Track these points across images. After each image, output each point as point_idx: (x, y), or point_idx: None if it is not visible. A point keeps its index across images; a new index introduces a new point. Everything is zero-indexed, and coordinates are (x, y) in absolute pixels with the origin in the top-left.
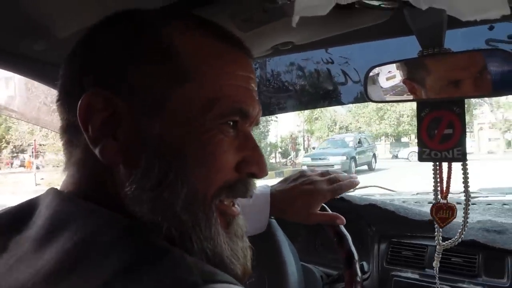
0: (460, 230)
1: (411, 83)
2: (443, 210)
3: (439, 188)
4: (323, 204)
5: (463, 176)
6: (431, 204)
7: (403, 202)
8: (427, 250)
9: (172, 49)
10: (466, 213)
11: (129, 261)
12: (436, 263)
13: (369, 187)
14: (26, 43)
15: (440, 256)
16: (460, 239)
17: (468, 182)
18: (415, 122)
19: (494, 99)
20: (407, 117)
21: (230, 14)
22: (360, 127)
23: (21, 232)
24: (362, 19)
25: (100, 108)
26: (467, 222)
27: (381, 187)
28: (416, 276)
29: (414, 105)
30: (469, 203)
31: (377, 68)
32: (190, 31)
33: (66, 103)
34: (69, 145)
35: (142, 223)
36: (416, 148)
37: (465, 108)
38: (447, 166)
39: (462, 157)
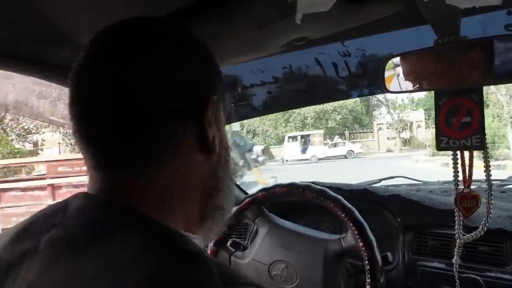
0: (483, 222)
1: (428, 72)
2: (467, 199)
3: (459, 178)
4: None
5: (484, 164)
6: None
7: (430, 192)
8: (453, 240)
9: (221, 75)
10: (488, 202)
11: (154, 269)
12: (456, 259)
13: (395, 178)
14: (52, 51)
15: (461, 250)
16: (483, 231)
17: (490, 170)
18: (319, 124)
19: (391, 101)
20: (311, 119)
21: (243, 12)
22: (267, 130)
23: (52, 233)
24: (376, 11)
25: (211, 111)
26: (490, 213)
27: (406, 177)
28: (443, 266)
29: (318, 107)
30: (492, 191)
31: (395, 59)
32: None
33: (136, 103)
34: (131, 145)
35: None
36: (316, 150)
37: (484, 96)
38: (469, 154)
39: (481, 145)
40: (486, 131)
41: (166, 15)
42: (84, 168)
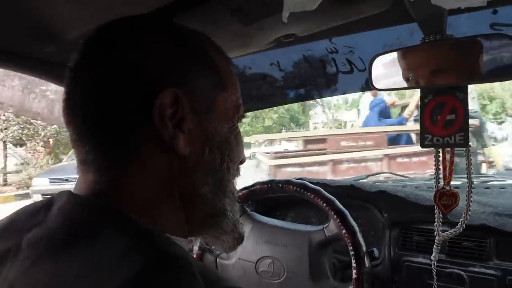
0: (462, 219)
1: (415, 70)
2: (446, 197)
3: (441, 175)
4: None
5: (466, 161)
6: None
7: (416, 187)
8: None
9: (215, 65)
10: (468, 200)
11: (139, 269)
12: (434, 255)
13: (382, 174)
14: (38, 46)
15: (439, 247)
16: (461, 228)
17: (471, 168)
18: (255, 123)
19: (326, 100)
20: (247, 118)
21: (231, 9)
22: None
23: (34, 232)
24: (363, 9)
25: (172, 105)
26: (469, 210)
27: (393, 173)
28: (428, 261)
29: None
30: (474, 188)
31: (381, 56)
32: (217, 53)
33: (109, 99)
34: (106, 142)
35: (155, 229)
36: (257, 149)
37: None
38: (450, 152)
39: (464, 142)
40: None
41: (153, 11)
42: (369, 143)
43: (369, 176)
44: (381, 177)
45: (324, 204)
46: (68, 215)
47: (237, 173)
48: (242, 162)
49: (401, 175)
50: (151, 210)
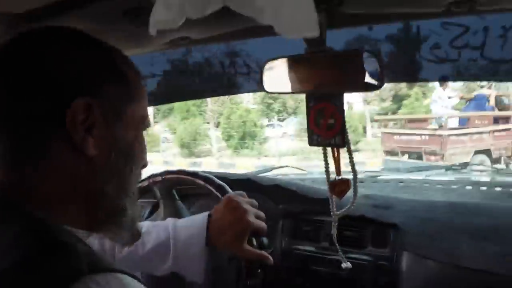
0: (351, 201)
1: (299, 77)
2: (338, 185)
3: (329, 169)
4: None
5: (349, 157)
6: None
7: (313, 181)
8: (323, 225)
9: (126, 78)
10: (355, 187)
11: (29, 253)
12: (334, 231)
13: (284, 167)
14: None
15: (337, 224)
16: (352, 206)
17: (353, 162)
18: None
19: None
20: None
21: (122, 10)
22: None
23: None
24: (248, 19)
25: (84, 111)
26: (356, 196)
27: (295, 167)
28: (313, 249)
29: None
30: (357, 180)
31: (272, 62)
32: (127, 65)
33: (18, 102)
34: (16, 141)
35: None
36: None
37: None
38: (336, 150)
39: (342, 144)
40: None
41: (48, 5)
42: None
43: (273, 169)
44: (285, 170)
45: (215, 191)
46: None
47: (139, 176)
48: (144, 166)
49: (302, 169)
50: (55, 206)
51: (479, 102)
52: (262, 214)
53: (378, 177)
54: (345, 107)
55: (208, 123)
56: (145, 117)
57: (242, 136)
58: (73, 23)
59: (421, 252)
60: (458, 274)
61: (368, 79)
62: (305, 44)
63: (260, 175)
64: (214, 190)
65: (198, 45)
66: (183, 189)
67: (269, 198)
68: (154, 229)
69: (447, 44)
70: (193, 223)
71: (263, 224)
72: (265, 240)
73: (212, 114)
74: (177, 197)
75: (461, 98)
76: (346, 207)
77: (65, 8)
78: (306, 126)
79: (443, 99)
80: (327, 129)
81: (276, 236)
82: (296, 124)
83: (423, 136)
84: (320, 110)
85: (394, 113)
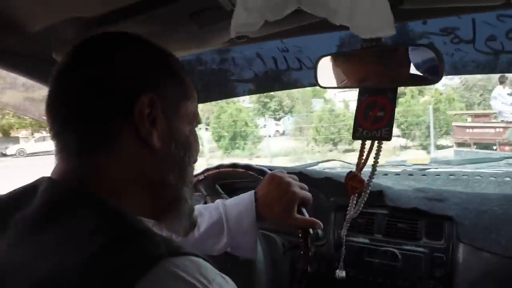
0: (360, 202)
1: (354, 72)
2: (355, 180)
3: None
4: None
5: (376, 152)
6: (388, 175)
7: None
8: (376, 218)
9: (180, 77)
10: (368, 184)
11: (109, 241)
12: (344, 231)
13: (330, 161)
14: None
15: (348, 225)
16: (360, 209)
17: (378, 158)
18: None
19: None
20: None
21: (188, 12)
22: None
23: (21, 213)
24: (307, 16)
25: (149, 105)
26: (367, 193)
27: (341, 161)
28: (366, 241)
29: None
30: (373, 178)
31: (326, 57)
32: (181, 67)
33: (90, 97)
34: (84, 134)
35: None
36: (25, 145)
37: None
38: (376, 144)
39: (388, 136)
40: None
41: (115, 10)
42: None
43: (319, 162)
44: (331, 164)
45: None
46: (50, 198)
47: (194, 168)
48: (195, 161)
49: (348, 163)
50: (123, 195)
51: None
52: (305, 185)
53: (427, 170)
54: (341, 105)
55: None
56: (196, 114)
57: (233, 136)
58: (140, 26)
59: (477, 244)
60: None
61: (425, 73)
62: (360, 40)
63: (309, 168)
64: (256, 174)
65: (255, 43)
66: (225, 184)
67: (320, 191)
68: (205, 211)
69: (503, 35)
70: (241, 200)
71: (308, 194)
72: (320, 232)
73: (202, 113)
74: (221, 191)
75: None
76: (356, 208)
77: (133, 12)
78: (301, 125)
79: (503, 96)
80: (374, 122)
81: (329, 228)
82: (292, 123)
83: (497, 129)
84: (371, 102)
85: None
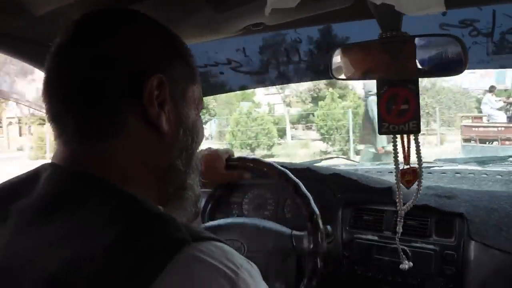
0: (415, 194)
1: (372, 63)
2: (408, 174)
3: (399, 157)
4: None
5: (416, 146)
6: (393, 172)
7: (366, 172)
8: (384, 214)
9: (189, 60)
10: (419, 179)
11: (127, 227)
12: (399, 228)
13: (335, 158)
14: (4, 21)
15: (402, 220)
16: (415, 201)
17: (420, 151)
18: None
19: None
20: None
21: None
22: None
23: (22, 201)
24: (329, 3)
25: (157, 88)
26: (420, 187)
27: (345, 158)
28: (376, 238)
29: None
30: (422, 170)
31: (342, 48)
32: (187, 50)
33: (95, 79)
34: (89, 117)
35: (138, 193)
36: None
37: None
38: (407, 137)
39: (416, 129)
40: None
41: None
42: None
43: (323, 159)
44: (335, 161)
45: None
46: (56, 184)
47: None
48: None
49: (352, 160)
50: (131, 180)
51: None
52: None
53: (432, 168)
54: (266, 109)
55: None
56: (201, 98)
57: None
58: (154, 7)
59: (489, 242)
60: None
61: (448, 63)
62: (378, 29)
63: (316, 164)
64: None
65: (270, 31)
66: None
67: (328, 188)
68: None
69: None
70: None
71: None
72: (328, 227)
73: None
74: None
75: (504, 102)
76: (411, 200)
77: None
78: (223, 129)
79: (492, 102)
80: (398, 115)
81: (336, 225)
82: (217, 126)
83: (499, 128)
84: (393, 95)
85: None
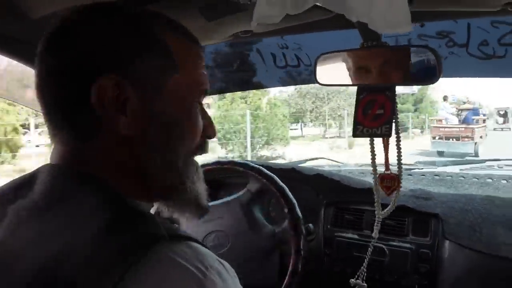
0: (394, 199)
1: (353, 70)
2: (387, 180)
3: (377, 161)
4: None
5: (397, 149)
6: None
7: (349, 173)
8: (364, 214)
9: (166, 47)
10: (398, 182)
11: (112, 220)
12: (375, 234)
13: (319, 159)
14: (2, 23)
15: (380, 224)
16: (394, 207)
17: (401, 155)
18: None
19: None
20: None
21: (198, 5)
22: None
23: (20, 202)
24: (313, 13)
25: (112, 89)
26: (399, 192)
27: (329, 159)
28: (356, 236)
29: None
30: (401, 174)
31: (326, 55)
32: (172, 32)
33: (65, 82)
34: (65, 121)
35: (124, 190)
36: None
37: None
38: (385, 142)
39: (388, 133)
40: None
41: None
42: None
43: (307, 160)
44: (319, 161)
45: (264, 180)
46: (50, 182)
47: (197, 150)
48: (209, 137)
49: (336, 161)
50: (114, 179)
51: (474, 112)
52: None
53: (412, 170)
54: None
55: None
56: (196, 85)
57: None
58: None
59: (462, 242)
60: (496, 264)
61: (423, 73)
62: (360, 38)
63: (301, 165)
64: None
65: (258, 37)
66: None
67: (311, 188)
68: None
69: (496, 41)
70: None
71: None
72: (310, 225)
73: None
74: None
75: (457, 109)
76: (389, 206)
77: (141, 2)
78: None
79: (447, 108)
80: (373, 119)
81: (318, 224)
82: None
83: (461, 128)
84: (371, 101)
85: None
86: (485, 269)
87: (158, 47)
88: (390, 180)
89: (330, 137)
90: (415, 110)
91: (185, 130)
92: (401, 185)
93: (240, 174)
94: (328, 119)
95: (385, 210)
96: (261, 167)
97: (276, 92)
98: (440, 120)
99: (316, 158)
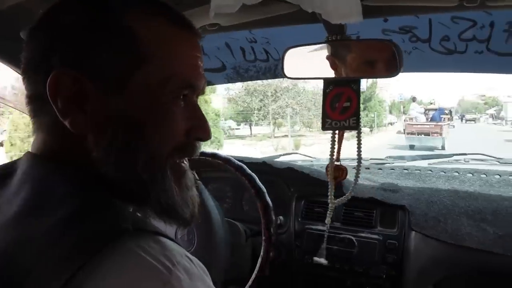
0: (350, 190)
1: (319, 64)
2: (335, 170)
3: (335, 153)
4: None
5: (357, 142)
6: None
7: (321, 167)
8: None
9: (132, 35)
10: (357, 173)
11: (78, 208)
12: (328, 220)
13: (292, 154)
14: None
15: (332, 213)
16: (350, 196)
17: (361, 147)
18: None
19: None
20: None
21: None
22: None
23: (2, 189)
24: (278, 7)
25: (68, 85)
26: (357, 182)
27: (302, 154)
28: (325, 228)
29: None
30: (360, 165)
31: (293, 49)
32: (147, 17)
33: (33, 76)
34: (38, 113)
35: (96, 179)
36: None
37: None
38: (340, 135)
39: (356, 125)
40: None
41: None
42: None
43: (281, 155)
44: (293, 156)
45: (233, 169)
46: (25, 172)
47: (180, 153)
48: (200, 139)
49: (309, 156)
50: (83, 170)
51: (440, 111)
52: None
53: (383, 164)
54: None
55: None
56: (176, 78)
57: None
58: None
59: (427, 232)
60: (461, 253)
61: (385, 66)
62: (325, 32)
63: (273, 159)
64: (234, 170)
65: (226, 31)
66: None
67: (282, 181)
68: None
69: (456, 36)
70: None
71: None
72: (281, 218)
73: None
74: (197, 177)
75: (425, 109)
76: (345, 195)
77: None
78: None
79: (417, 108)
80: (341, 113)
81: (290, 216)
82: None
83: (431, 125)
84: (337, 94)
85: None
86: (450, 258)
87: (121, 39)
88: (337, 171)
89: (278, 137)
90: (364, 109)
91: (154, 130)
92: (359, 175)
93: (210, 164)
94: (277, 118)
95: (338, 200)
96: (230, 157)
97: (222, 90)
98: (412, 118)
99: (289, 153)
